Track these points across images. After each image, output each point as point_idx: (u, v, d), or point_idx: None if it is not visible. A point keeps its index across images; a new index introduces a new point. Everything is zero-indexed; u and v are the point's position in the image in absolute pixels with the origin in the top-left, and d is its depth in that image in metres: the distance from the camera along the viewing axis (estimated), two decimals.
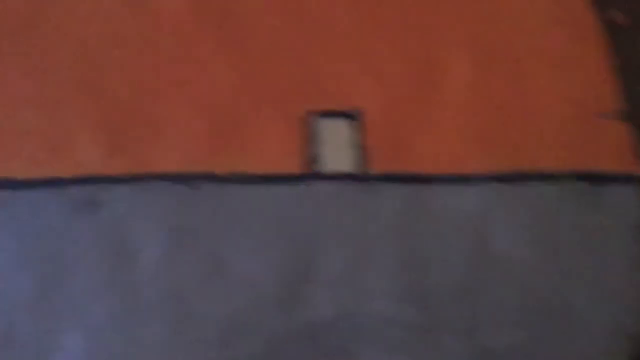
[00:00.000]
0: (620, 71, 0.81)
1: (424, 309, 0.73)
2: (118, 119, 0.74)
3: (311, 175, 0.75)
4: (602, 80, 0.79)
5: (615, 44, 0.81)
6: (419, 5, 0.79)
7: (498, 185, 0.77)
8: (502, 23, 0.80)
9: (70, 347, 0.69)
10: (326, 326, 0.71)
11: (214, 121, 0.75)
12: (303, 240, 0.73)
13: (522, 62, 0.79)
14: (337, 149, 0.76)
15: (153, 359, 0.69)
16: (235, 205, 0.73)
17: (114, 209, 0.72)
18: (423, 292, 0.73)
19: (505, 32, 0.79)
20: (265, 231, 0.73)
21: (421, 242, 0.74)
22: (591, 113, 0.78)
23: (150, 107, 0.75)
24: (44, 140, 0.74)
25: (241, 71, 0.76)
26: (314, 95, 0.77)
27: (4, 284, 0.69)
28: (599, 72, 0.79)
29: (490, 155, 0.77)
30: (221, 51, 0.77)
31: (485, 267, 0.74)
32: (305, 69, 0.77)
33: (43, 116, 0.74)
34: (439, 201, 0.76)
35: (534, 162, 0.77)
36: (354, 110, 0.77)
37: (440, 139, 0.77)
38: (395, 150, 0.77)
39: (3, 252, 0.70)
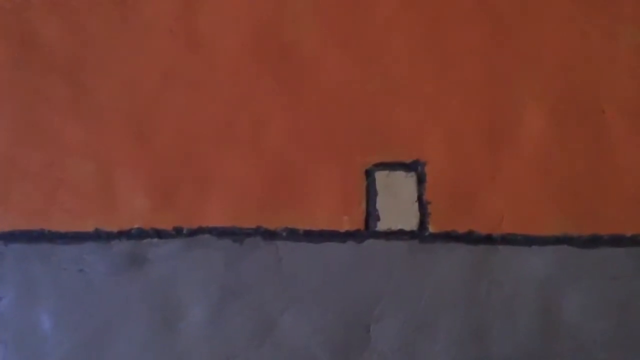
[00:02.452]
0: None
1: None
2: (167, 170, 0.71)
3: (367, 233, 0.71)
4: None
5: None
6: (493, 50, 0.74)
7: (569, 248, 0.71)
8: (581, 73, 0.74)
9: None
10: None
11: (266, 173, 0.71)
12: (357, 304, 0.70)
13: (602, 115, 0.73)
14: (395, 203, 0.72)
15: None
16: (286, 262, 0.70)
17: (161, 266, 0.69)
18: None
19: (584, 83, 0.73)
20: (317, 292, 0.69)
21: (484, 309, 0.70)
22: None
23: (200, 156, 0.71)
24: (89, 190, 0.71)
25: (297, 118, 0.72)
26: (373, 145, 0.73)
27: (43, 342, 0.67)
28: None
29: (563, 216, 0.72)
30: (277, 96, 0.73)
31: (551, 337, 0.70)
32: (365, 117, 0.73)
33: (89, 164, 0.71)
34: (504, 264, 0.71)
35: (609, 225, 0.71)
36: (416, 162, 0.72)
37: (508, 196, 0.72)
38: (460, 206, 0.72)
39: (42, 309, 0.67)
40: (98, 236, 0.69)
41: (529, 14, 0.77)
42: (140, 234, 0.70)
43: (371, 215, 0.72)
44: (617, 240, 0.73)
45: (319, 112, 0.73)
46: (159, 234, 0.70)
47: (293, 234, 0.71)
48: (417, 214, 0.72)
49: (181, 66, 0.74)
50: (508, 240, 0.73)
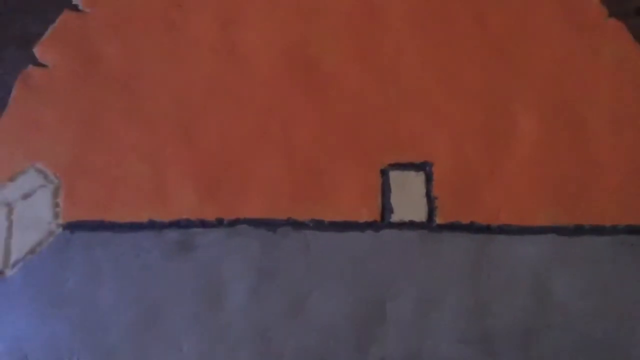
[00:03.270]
0: None
1: (487, 351, 0.79)
2: (210, 168, 0.82)
3: (383, 224, 0.81)
4: None
5: None
6: (491, 66, 0.85)
7: (557, 237, 0.82)
8: (568, 84, 0.85)
9: None
10: None
11: (295, 172, 0.82)
12: (375, 284, 0.80)
13: (588, 120, 0.84)
14: (408, 199, 0.82)
15: None
16: (314, 249, 0.80)
17: (206, 251, 0.79)
18: (486, 336, 0.79)
19: (570, 93, 0.85)
20: (341, 274, 0.79)
21: (485, 289, 0.81)
22: None
23: (238, 157, 0.82)
24: (144, 186, 0.81)
25: (322, 124, 0.83)
26: (388, 147, 0.83)
27: (105, 317, 0.77)
28: None
29: (551, 209, 0.82)
30: (305, 108, 0.83)
31: (544, 314, 0.80)
32: (382, 123, 0.83)
33: (144, 164, 0.82)
34: (503, 251, 0.82)
35: (592, 217, 0.82)
36: (425, 163, 0.82)
37: (505, 191, 0.83)
38: (463, 200, 0.83)
39: (104, 289, 0.77)
40: (152, 226, 0.80)
41: (522, 32, 0.88)
42: (187, 224, 0.80)
43: (386, 208, 0.83)
44: (598, 230, 0.85)
45: (341, 119, 0.84)
46: (204, 224, 0.80)
47: (319, 224, 0.81)
48: (426, 207, 0.83)
49: (221, 78, 0.84)
50: (505, 230, 0.83)
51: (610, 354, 0.80)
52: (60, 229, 0.78)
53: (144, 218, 0.79)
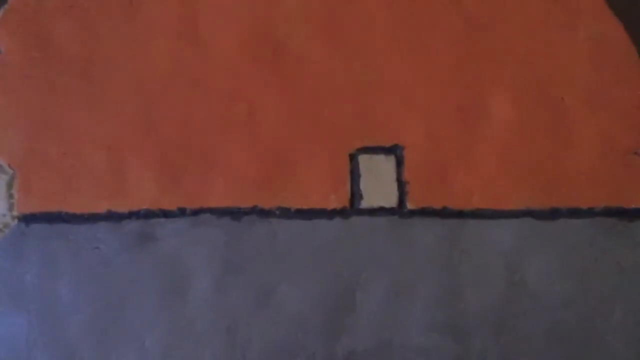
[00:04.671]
0: None
1: (459, 339, 0.77)
2: (171, 155, 0.79)
3: (352, 210, 0.79)
4: (638, 120, 0.81)
5: None
6: (463, 45, 0.81)
7: (532, 221, 0.80)
8: (543, 64, 0.82)
9: None
10: (366, 355, 0.75)
11: (261, 157, 0.79)
12: (345, 273, 0.77)
13: (562, 102, 0.81)
14: (377, 184, 0.80)
15: None
16: (280, 237, 0.78)
17: (168, 242, 0.77)
18: (458, 324, 0.77)
19: (545, 73, 0.81)
20: (309, 264, 0.77)
21: (457, 275, 0.78)
22: (626, 151, 0.80)
23: (201, 144, 0.79)
24: (102, 176, 0.78)
25: (288, 108, 0.80)
26: (357, 130, 0.80)
27: (64, 311, 0.75)
28: (636, 112, 0.81)
29: (526, 192, 0.80)
30: (271, 89, 0.80)
31: (517, 300, 0.78)
32: (349, 106, 0.80)
33: (102, 152, 0.78)
34: (475, 236, 0.79)
35: (568, 199, 0.80)
36: (395, 146, 0.80)
37: (478, 175, 0.80)
38: (435, 185, 0.80)
39: (62, 282, 0.75)
40: (110, 217, 0.77)
41: (495, 11, 0.84)
42: (148, 214, 0.77)
43: (355, 194, 0.80)
44: (575, 213, 0.82)
45: (308, 102, 0.81)
46: (165, 214, 0.77)
47: (286, 212, 0.79)
48: (397, 192, 0.81)
49: (183, 61, 0.81)
50: (478, 214, 0.81)
51: (585, 340, 0.78)
52: (15, 221, 0.75)
53: (102, 208, 0.77)
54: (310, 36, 0.83)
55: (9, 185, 0.76)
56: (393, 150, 0.81)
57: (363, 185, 0.80)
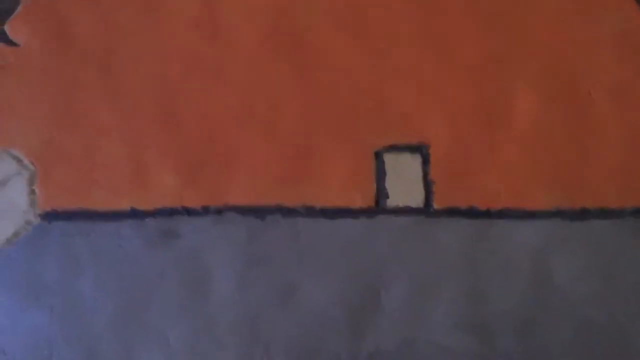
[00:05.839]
0: None
1: (485, 339, 0.76)
2: (193, 152, 0.77)
3: (378, 209, 0.78)
4: None
5: None
6: (488, 41, 0.80)
7: (559, 221, 0.78)
8: (569, 59, 0.80)
9: None
10: (391, 354, 0.75)
11: (284, 154, 0.78)
12: (369, 271, 0.76)
13: (588, 97, 0.79)
14: (403, 182, 0.78)
15: None
16: (304, 236, 0.77)
17: (191, 240, 0.76)
18: (484, 323, 0.76)
19: (572, 67, 0.80)
20: (333, 261, 0.76)
21: (483, 275, 0.77)
22: None
23: (223, 140, 0.78)
24: (123, 171, 0.77)
25: (312, 104, 0.78)
26: (382, 129, 0.79)
27: (86, 308, 0.74)
28: None
29: (553, 191, 0.79)
30: (292, 84, 0.79)
31: (544, 299, 0.77)
32: (374, 103, 0.79)
33: (123, 148, 0.77)
34: (501, 235, 0.78)
35: (596, 198, 0.79)
36: (421, 144, 0.78)
37: (504, 174, 0.79)
38: (461, 184, 0.79)
39: (85, 279, 0.74)
40: (133, 214, 0.76)
41: (520, 6, 0.83)
42: (171, 212, 0.76)
43: (381, 193, 0.79)
44: (604, 213, 0.81)
45: (331, 97, 0.80)
46: (188, 212, 0.76)
47: (310, 211, 0.77)
48: (423, 191, 0.79)
49: (204, 55, 0.80)
50: (505, 214, 0.80)
51: (613, 341, 0.77)
52: (37, 219, 0.74)
53: (124, 205, 0.76)
54: (332, 30, 0.82)
55: (30, 182, 0.75)
56: (419, 148, 0.80)
57: (388, 184, 0.79)
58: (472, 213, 0.79)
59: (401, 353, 0.76)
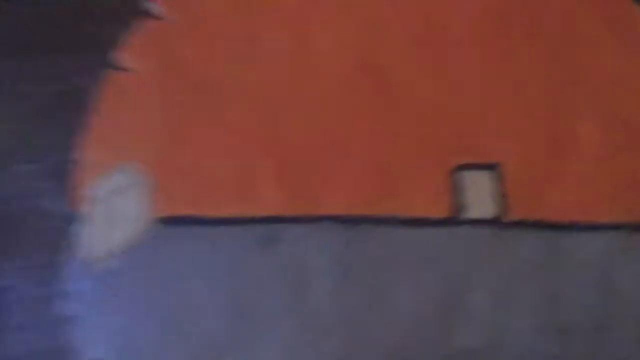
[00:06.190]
0: None
1: (562, 341, 0.83)
2: (293, 168, 0.86)
3: (456, 220, 0.86)
4: None
5: None
6: (551, 74, 0.91)
7: (623, 233, 0.87)
8: (626, 88, 0.91)
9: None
10: (475, 355, 0.81)
11: (373, 172, 0.87)
12: (453, 277, 0.84)
13: None
14: (479, 197, 0.87)
15: None
16: (394, 244, 0.84)
17: (292, 245, 0.83)
18: (560, 327, 0.83)
19: (630, 96, 0.90)
20: (420, 268, 0.83)
21: (555, 282, 0.85)
22: None
23: (320, 157, 0.86)
24: (231, 184, 0.85)
25: (396, 129, 0.88)
26: (458, 150, 0.88)
27: (202, 305, 0.80)
28: None
29: (617, 206, 0.87)
30: (377, 111, 0.89)
31: (612, 305, 0.84)
32: (452, 128, 0.88)
33: (230, 163, 0.86)
34: (570, 246, 0.86)
35: None
36: (494, 164, 0.87)
37: (571, 190, 0.88)
38: (531, 199, 0.87)
39: (198, 279, 0.81)
40: (240, 221, 0.83)
41: (576, 45, 0.94)
42: (274, 220, 0.84)
43: (457, 206, 0.87)
44: None
45: (411, 124, 0.89)
46: (289, 220, 0.84)
47: (396, 221, 0.85)
48: (496, 206, 0.88)
49: (298, 83, 0.89)
50: (572, 227, 0.88)
51: None
52: (153, 224, 0.81)
53: (231, 213, 0.83)
54: (410, 66, 0.92)
55: (146, 192, 0.83)
56: (492, 167, 0.89)
57: (464, 198, 0.88)
58: (541, 225, 0.87)
59: (485, 353, 0.82)
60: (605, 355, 0.83)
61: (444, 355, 0.79)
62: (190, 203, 0.83)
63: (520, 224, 0.86)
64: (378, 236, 0.84)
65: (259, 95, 0.87)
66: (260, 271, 0.80)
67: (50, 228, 0.83)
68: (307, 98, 0.88)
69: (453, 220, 0.85)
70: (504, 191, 0.87)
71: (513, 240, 0.85)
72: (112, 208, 0.82)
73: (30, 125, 0.85)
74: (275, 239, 0.81)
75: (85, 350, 0.81)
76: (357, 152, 0.86)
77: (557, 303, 0.84)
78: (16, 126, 0.85)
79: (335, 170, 0.85)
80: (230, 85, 0.87)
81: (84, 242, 0.82)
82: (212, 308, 0.79)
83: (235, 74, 0.88)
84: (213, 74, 0.88)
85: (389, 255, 0.83)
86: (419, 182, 0.86)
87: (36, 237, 0.82)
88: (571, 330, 0.83)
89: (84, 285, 0.80)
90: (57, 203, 0.84)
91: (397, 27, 0.92)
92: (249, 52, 0.89)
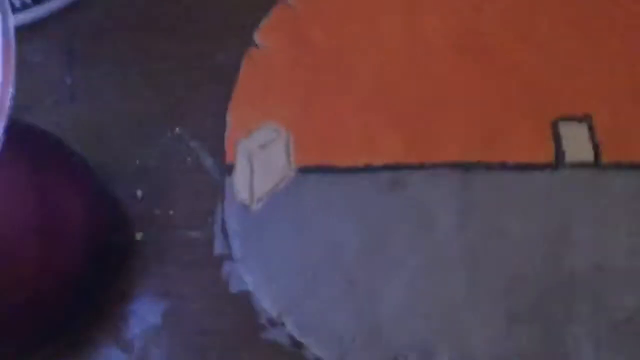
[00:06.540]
0: None
1: None
2: (411, 124, 0.99)
3: (558, 163, 0.98)
4: None
5: None
6: (630, 37, 1.03)
7: None
8: None
9: (393, 292, 0.91)
10: (582, 277, 0.92)
11: (481, 127, 0.99)
12: (559, 213, 0.95)
13: None
14: (576, 144, 0.99)
15: (455, 301, 0.91)
16: (505, 187, 0.96)
17: (415, 188, 0.95)
18: None
19: None
20: (529, 205, 0.95)
21: None
22: None
23: (433, 115, 0.99)
24: (358, 139, 0.98)
25: (499, 89, 1.00)
26: (555, 105, 1.00)
27: (338, 242, 0.93)
28: None
29: None
30: (481, 75, 1.01)
31: None
32: (548, 86, 1.01)
33: (358, 121, 0.99)
34: None
35: None
36: (586, 115, 0.99)
37: None
38: (622, 144, 0.99)
39: (335, 219, 0.93)
40: (368, 169, 0.96)
41: None
42: (397, 167, 0.96)
43: (559, 152, 0.99)
44: None
45: (512, 85, 1.01)
46: (410, 167, 0.96)
47: (505, 166, 0.97)
48: (592, 151, 0.99)
49: (411, 54, 1.03)
50: None
51: None
52: (293, 172, 0.94)
53: (360, 163, 0.95)
54: (508, 36, 1.05)
55: (287, 145, 0.96)
56: (585, 118, 1.01)
57: (564, 145, 0.99)
58: (633, 165, 0.98)
59: (593, 274, 0.93)
60: None
61: (554, 280, 0.90)
62: (323, 155, 0.96)
63: (614, 166, 0.97)
64: (491, 179, 0.95)
65: (378, 67, 1.00)
66: (389, 212, 0.92)
67: (208, 180, 0.97)
68: (419, 67, 1.01)
69: (555, 164, 0.96)
70: (597, 138, 0.98)
71: (608, 179, 0.96)
72: (260, 160, 0.96)
73: (188, 95, 1.00)
74: (401, 182, 0.94)
75: (237, 284, 0.93)
76: (468, 110, 0.98)
77: None
78: (175, 98, 1.00)
79: (448, 125, 0.98)
80: (353, 59, 1.01)
81: (237, 190, 0.95)
82: (348, 245, 0.90)
83: (358, 50, 1.01)
84: (338, 50, 1.01)
85: (502, 195, 0.94)
86: (523, 133, 0.98)
87: (196, 188, 0.96)
88: None
89: (239, 226, 0.93)
90: (214, 158, 0.98)
91: (494, 5, 1.05)
92: (368, 32, 1.03)
